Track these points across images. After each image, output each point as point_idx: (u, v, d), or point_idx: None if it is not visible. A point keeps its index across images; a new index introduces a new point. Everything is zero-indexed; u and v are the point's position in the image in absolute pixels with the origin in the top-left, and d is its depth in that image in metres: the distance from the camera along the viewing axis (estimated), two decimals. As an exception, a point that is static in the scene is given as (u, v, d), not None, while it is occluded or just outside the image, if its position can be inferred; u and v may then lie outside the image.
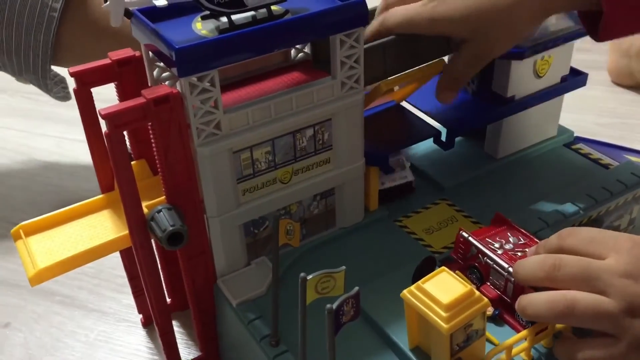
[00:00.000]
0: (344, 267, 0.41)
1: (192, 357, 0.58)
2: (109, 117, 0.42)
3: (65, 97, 0.73)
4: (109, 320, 0.64)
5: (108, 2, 0.43)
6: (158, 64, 0.49)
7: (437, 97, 0.56)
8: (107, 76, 0.48)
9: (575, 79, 0.65)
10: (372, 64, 0.53)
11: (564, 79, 0.65)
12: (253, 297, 0.51)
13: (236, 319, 0.50)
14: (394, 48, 0.54)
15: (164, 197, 0.48)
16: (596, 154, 0.67)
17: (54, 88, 0.71)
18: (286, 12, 0.48)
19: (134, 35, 0.48)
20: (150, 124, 0.44)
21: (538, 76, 0.63)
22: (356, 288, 0.39)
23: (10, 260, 0.70)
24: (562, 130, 0.69)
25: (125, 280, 0.60)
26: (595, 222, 0.60)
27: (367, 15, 0.48)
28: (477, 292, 0.42)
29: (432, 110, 0.63)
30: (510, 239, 0.51)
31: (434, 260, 0.51)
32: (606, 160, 0.66)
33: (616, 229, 0.63)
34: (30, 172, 0.83)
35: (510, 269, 0.47)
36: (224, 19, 0.46)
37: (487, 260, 0.49)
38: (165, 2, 0.44)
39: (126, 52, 0.49)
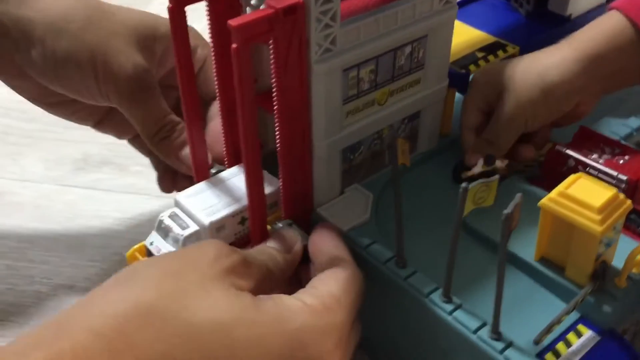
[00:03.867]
0: (497, 176, 0.40)
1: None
2: (238, 28, 0.38)
3: None
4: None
5: None
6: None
7: (466, 160, 0.53)
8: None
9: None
10: None
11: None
12: (359, 224, 0.49)
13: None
14: None
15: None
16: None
17: None
18: None
19: None
20: (272, 40, 0.41)
21: (597, -9, 0.63)
22: (519, 194, 0.38)
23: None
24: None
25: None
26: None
27: None
28: (622, 194, 0.42)
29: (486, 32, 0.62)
30: (606, 149, 0.52)
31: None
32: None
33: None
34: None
35: (621, 176, 0.48)
36: None
37: (591, 170, 0.50)
38: None
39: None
